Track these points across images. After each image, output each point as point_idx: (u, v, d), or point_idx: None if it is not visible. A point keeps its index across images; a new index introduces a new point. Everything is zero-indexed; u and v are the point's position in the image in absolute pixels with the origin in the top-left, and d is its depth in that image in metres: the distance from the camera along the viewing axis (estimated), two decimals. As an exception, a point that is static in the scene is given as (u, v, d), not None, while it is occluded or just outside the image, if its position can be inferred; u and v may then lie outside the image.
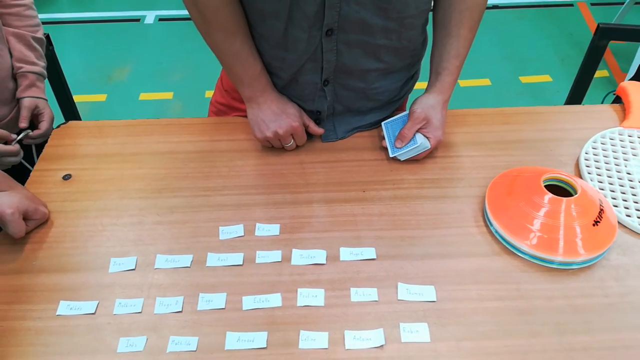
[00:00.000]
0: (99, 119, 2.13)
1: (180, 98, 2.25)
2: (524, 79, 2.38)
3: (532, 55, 2.54)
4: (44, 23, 1.06)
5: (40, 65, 1.01)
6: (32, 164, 1.02)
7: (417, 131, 0.85)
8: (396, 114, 0.90)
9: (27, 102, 0.99)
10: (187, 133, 0.94)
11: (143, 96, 2.27)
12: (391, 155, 0.86)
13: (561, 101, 1.54)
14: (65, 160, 0.89)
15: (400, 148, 0.85)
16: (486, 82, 2.36)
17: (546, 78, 2.38)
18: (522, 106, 2.17)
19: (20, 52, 0.98)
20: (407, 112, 0.87)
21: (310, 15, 0.75)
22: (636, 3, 2.41)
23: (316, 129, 0.89)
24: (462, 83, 2.34)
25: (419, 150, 0.85)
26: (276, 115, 0.85)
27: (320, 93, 0.86)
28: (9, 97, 0.98)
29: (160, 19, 2.78)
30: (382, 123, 0.90)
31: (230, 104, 0.99)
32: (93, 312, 0.67)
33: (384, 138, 0.88)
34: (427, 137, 0.85)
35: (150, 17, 2.79)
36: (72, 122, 0.97)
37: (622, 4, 2.44)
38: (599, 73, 2.39)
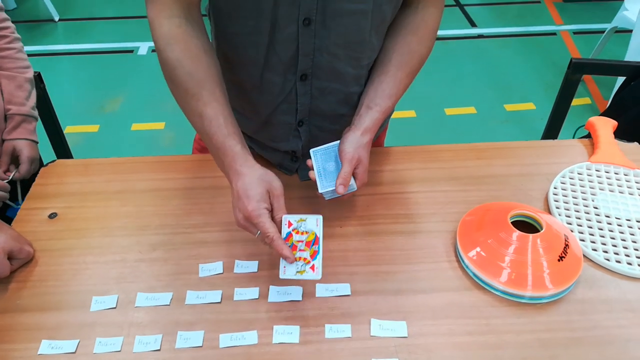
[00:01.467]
0: (91, 149, 2.18)
1: (172, 128, 2.29)
2: (509, 107, 2.44)
3: (516, 83, 2.61)
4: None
5: (29, 106, 1.05)
6: (15, 200, 1.05)
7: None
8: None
9: (5, 146, 1.02)
10: (171, 170, 0.97)
11: (135, 126, 2.31)
12: (320, 191, 0.80)
13: (544, 128, 1.58)
14: (52, 198, 0.92)
15: (331, 184, 0.79)
16: (471, 110, 2.41)
17: (530, 106, 2.44)
18: (506, 133, 2.25)
19: (10, 94, 1.02)
20: (337, 142, 0.82)
21: (285, 60, 0.79)
22: (616, 32, 2.48)
23: (278, 244, 0.69)
24: (448, 111, 2.40)
25: (348, 190, 0.80)
26: (236, 200, 0.71)
27: (295, 133, 0.90)
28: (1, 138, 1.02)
29: (154, 50, 2.83)
30: (311, 151, 0.83)
31: None
32: (74, 351, 0.69)
33: (311, 168, 0.82)
34: (355, 179, 0.80)
35: (143, 48, 2.85)
36: (59, 161, 1.00)
37: (603, 32, 2.52)
38: (582, 100, 2.45)
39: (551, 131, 1.49)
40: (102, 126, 2.31)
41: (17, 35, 1.08)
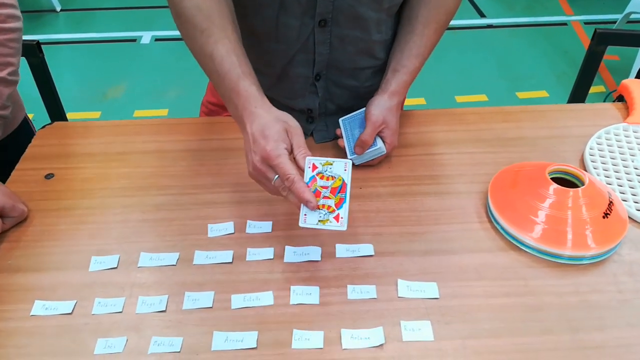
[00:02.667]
0: (92, 135, 2.11)
1: (175, 115, 2.23)
2: (521, 95, 2.37)
3: (527, 72, 2.54)
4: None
5: None
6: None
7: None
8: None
9: None
10: (176, 132, 0.91)
11: (137, 113, 2.25)
12: (349, 157, 0.79)
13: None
14: (49, 159, 0.85)
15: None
16: (483, 97, 2.35)
17: (543, 94, 2.38)
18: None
19: None
20: (364, 109, 0.81)
21: (303, 2, 0.73)
22: (628, 22, 2.42)
23: (300, 187, 0.61)
24: (459, 99, 2.34)
25: (376, 153, 0.79)
26: (250, 144, 0.64)
27: (312, 88, 0.83)
28: None
29: (157, 39, 2.78)
30: (340, 120, 0.84)
31: (221, 104, 0.97)
32: (70, 312, 0.63)
33: (341, 136, 0.82)
34: (384, 142, 0.79)
35: (146, 37, 2.80)
36: (57, 123, 0.93)
37: (615, 22, 2.46)
38: (596, 89, 2.39)
39: (572, 108, 1.42)
40: (104, 113, 2.25)
41: (9, 25, 0.91)
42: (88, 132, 0.91)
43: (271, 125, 0.62)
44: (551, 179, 0.72)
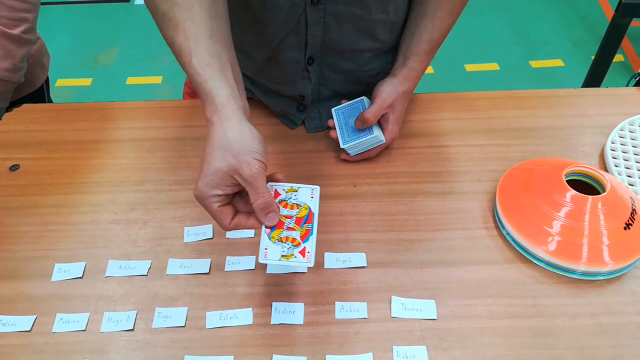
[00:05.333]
0: (83, 104, 2.03)
1: (170, 83, 2.13)
2: (534, 64, 2.25)
3: (543, 38, 2.40)
4: None
5: (0, 67, 0.87)
6: None
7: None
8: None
9: None
10: (156, 117, 0.83)
11: (130, 80, 2.15)
12: (342, 146, 0.72)
13: (575, 87, 1.42)
14: (15, 148, 0.78)
15: (353, 138, 0.71)
16: (494, 66, 2.23)
17: (558, 62, 2.25)
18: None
19: None
20: (362, 98, 0.75)
21: None
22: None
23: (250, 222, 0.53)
24: (469, 67, 2.22)
25: (373, 142, 0.72)
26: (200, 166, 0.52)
27: (304, 74, 0.74)
28: None
29: None
30: (333, 109, 0.76)
31: None
32: (29, 329, 0.57)
33: (333, 127, 0.74)
34: (382, 130, 0.72)
35: (140, -3, 2.66)
36: (26, 105, 0.85)
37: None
38: (615, 58, 2.25)
39: (590, 86, 1.32)
40: (95, 80, 2.15)
41: None
42: (59, 116, 0.83)
43: (216, 167, 0.49)
44: (567, 180, 0.65)
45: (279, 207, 0.53)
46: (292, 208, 0.55)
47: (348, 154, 0.73)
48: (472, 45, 2.34)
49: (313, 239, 0.53)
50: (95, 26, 2.46)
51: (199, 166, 0.51)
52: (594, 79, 1.29)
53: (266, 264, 0.62)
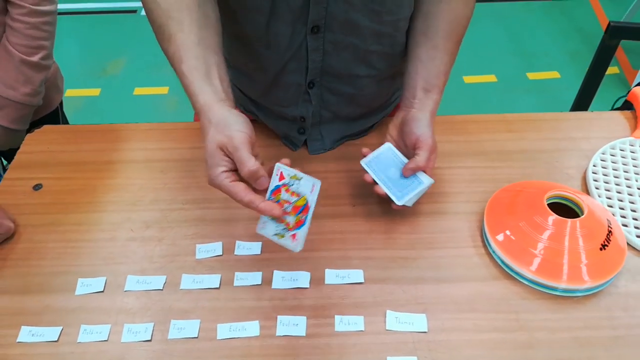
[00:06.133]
0: (92, 115, 2.10)
1: (176, 93, 2.19)
2: (532, 75, 2.30)
3: (540, 50, 2.46)
4: None
5: (20, 92, 0.92)
6: None
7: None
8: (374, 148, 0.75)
9: None
10: (168, 139, 0.88)
11: (138, 91, 2.21)
12: (399, 203, 0.69)
13: (570, 99, 1.47)
14: (37, 168, 0.84)
15: (405, 191, 0.70)
16: (492, 78, 2.28)
17: (554, 74, 2.30)
18: (529, 104, 2.12)
19: (5, 72, 0.91)
20: (387, 145, 0.74)
21: (294, 8, 0.69)
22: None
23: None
24: (467, 79, 2.27)
25: (425, 188, 0.71)
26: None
27: (305, 97, 0.80)
28: None
29: (158, 10, 2.71)
30: (363, 163, 0.73)
31: None
32: (56, 339, 0.62)
33: (374, 183, 0.71)
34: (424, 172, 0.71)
35: (147, 8, 2.72)
36: (46, 127, 0.91)
37: (636, -3, 2.35)
38: (609, 70, 2.30)
39: (582, 102, 1.38)
40: (104, 90, 2.21)
41: (42, 7, 0.91)
42: (77, 137, 0.89)
43: (208, 148, 0.57)
44: (550, 202, 0.70)
45: (280, 190, 0.59)
46: (292, 195, 0.59)
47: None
48: (472, 55, 2.39)
49: (305, 229, 0.58)
50: (102, 36, 2.52)
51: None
52: (585, 96, 1.35)
53: (271, 281, 0.68)
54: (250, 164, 0.56)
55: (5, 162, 1.07)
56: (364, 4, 0.69)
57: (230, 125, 0.57)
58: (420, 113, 0.72)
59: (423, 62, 0.74)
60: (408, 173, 0.70)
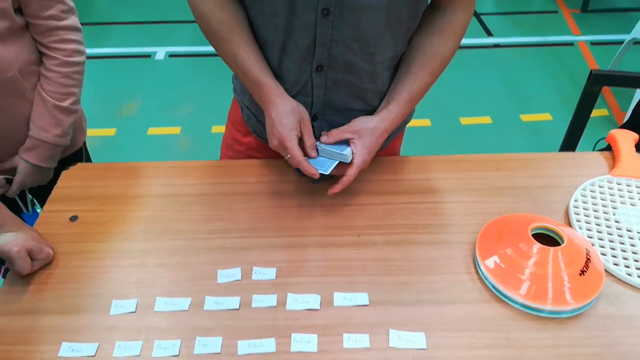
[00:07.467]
0: (108, 153, 2.20)
1: (188, 133, 2.31)
2: (525, 117, 2.42)
3: (532, 93, 2.59)
4: None
5: (52, 133, 1.02)
6: (24, 201, 1.09)
7: (348, 143, 0.84)
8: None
9: (14, 159, 1.03)
10: (190, 176, 0.98)
11: (151, 131, 2.33)
12: (309, 158, 0.84)
13: (561, 140, 1.57)
14: (73, 201, 0.93)
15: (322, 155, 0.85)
16: (487, 119, 2.40)
17: (546, 116, 2.42)
18: (522, 145, 2.23)
19: (38, 115, 1.01)
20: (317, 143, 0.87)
21: (302, 49, 0.81)
22: (635, 43, 2.46)
23: (305, 165, 0.80)
24: (463, 121, 2.39)
25: (339, 157, 0.83)
26: (271, 126, 0.83)
27: None
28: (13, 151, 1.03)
29: (171, 55, 2.87)
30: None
31: (234, 137, 1.06)
32: (93, 354, 0.70)
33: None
34: (352, 152, 0.83)
35: (160, 53, 2.88)
36: (80, 164, 1.01)
37: (621, 43, 2.49)
38: (599, 112, 2.43)
39: (569, 143, 1.47)
40: (119, 130, 2.33)
41: (73, 59, 1.02)
42: (108, 173, 0.99)
43: (287, 115, 0.80)
44: (534, 233, 0.78)
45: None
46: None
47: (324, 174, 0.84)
48: (468, 98, 2.53)
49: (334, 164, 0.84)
50: (119, 79, 2.67)
51: (269, 129, 0.83)
52: (572, 138, 1.45)
53: (285, 303, 0.75)
54: (312, 137, 0.84)
55: (30, 197, 1.16)
56: (360, 48, 0.81)
57: (302, 109, 0.83)
58: (374, 116, 0.85)
59: (395, 81, 0.88)
60: (323, 138, 0.86)
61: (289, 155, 0.81)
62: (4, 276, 1.22)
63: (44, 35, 0.98)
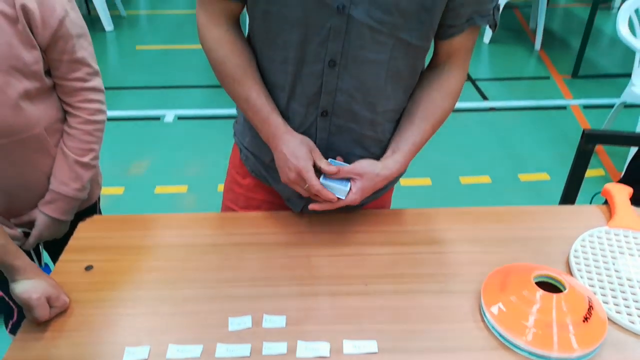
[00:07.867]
0: (117, 210, 2.24)
1: (194, 192, 2.36)
2: (523, 177, 2.48)
3: (529, 154, 2.67)
4: None
5: (72, 187, 1.06)
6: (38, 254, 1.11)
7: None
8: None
9: (33, 212, 1.06)
10: (201, 227, 1.01)
11: (159, 189, 2.38)
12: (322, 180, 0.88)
13: (558, 200, 1.61)
14: (89, 252, 0.96)
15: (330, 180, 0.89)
16: (486, 179, 2.46)
17: (544, 176, 2.48)
18: (521, 203, 2.27)
19: (59, 169, 1.06)
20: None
21: (309, 94, 0.88)
22: (625, 106, 2.57)
23: (323, 191, 0.87)
24: (463, 180, 2.45)
25: (337, 191, 0.88)
26: (284, 161, 0.88)
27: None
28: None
29: (179, 118, 2.98)
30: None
31: (234, 179, 1.10)
32: (105, 401, 0.70)
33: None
34: (350, 189, 0.88)
35: (169, 116, 2.99)
36: (96, 216, 1.05)
37: (612, 107, 2.60)
38: (596, 172, 2.49)
39: (567, 200, 1.52)
40: (127, 188, 2.39)
41: (96, 117, 1.08)
42: (124, 225, 1.02)
43: (300, 148, 0.87)
44: (537, 282, 0.81)
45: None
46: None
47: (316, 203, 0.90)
48: (466, 158, 2.60)
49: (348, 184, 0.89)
50: (129, 140, 2.75)
51: (281, 164, 0.89)
52: (569, 196, 1.49)
53: (295, 350, 0.76)
54: (323, 159, 0.90)
55: (41, 248, 1.18)
56: (363, 98, 0.88)
57: (309, 140, 0.90)
58: (380, 162, 0.90)
59: (399, 132, 0.94)
60: (326, 169, 0.89)
61: (307, 185, 0.86)
62: (11, 332, 1.23)
63: (70, 95, 1.05)
